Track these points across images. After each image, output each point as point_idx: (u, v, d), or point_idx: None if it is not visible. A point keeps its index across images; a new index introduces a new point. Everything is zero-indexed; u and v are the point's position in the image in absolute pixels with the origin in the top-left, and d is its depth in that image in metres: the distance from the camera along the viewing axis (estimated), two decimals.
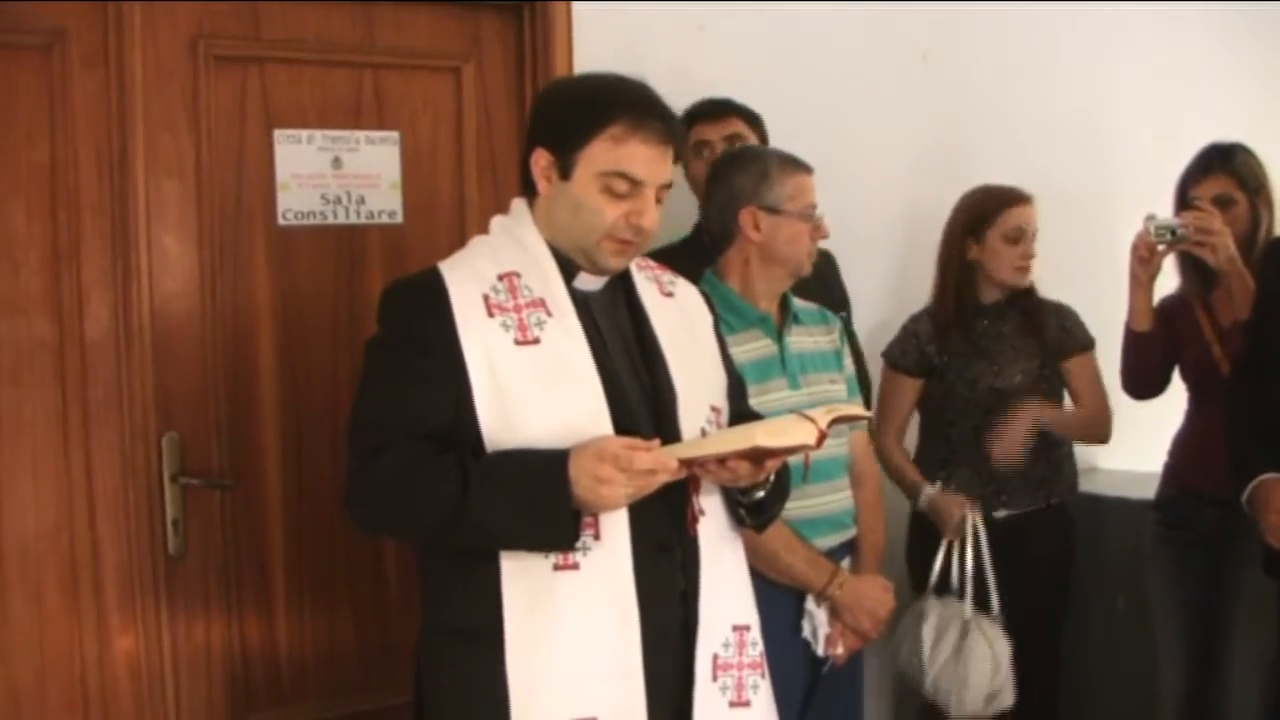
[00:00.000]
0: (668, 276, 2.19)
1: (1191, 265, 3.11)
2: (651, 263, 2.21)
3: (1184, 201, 3.10)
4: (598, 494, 1.83)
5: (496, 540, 1.90)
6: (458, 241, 2.12)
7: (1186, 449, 3.15)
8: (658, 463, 1.84)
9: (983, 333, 3.22)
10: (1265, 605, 2.78)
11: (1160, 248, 2.98)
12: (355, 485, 1.95)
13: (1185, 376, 3.16)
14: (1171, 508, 3.18)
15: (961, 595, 3.02)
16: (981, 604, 3.02)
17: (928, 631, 2.99)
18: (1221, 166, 3.07)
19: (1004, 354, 3.19)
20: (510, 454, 1.89)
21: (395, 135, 2.95)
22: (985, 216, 3.17)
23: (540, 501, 1.85)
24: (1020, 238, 3.15)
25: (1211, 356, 3.05)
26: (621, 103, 1.97)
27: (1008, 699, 2.99)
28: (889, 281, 3.60)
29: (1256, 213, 3.04)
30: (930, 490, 3.14)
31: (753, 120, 3.15)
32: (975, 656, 2.94)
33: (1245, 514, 2.68)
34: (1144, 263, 3.01)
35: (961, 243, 3.20)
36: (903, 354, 3.26)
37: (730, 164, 2.68)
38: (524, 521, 1.87)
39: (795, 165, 2.66)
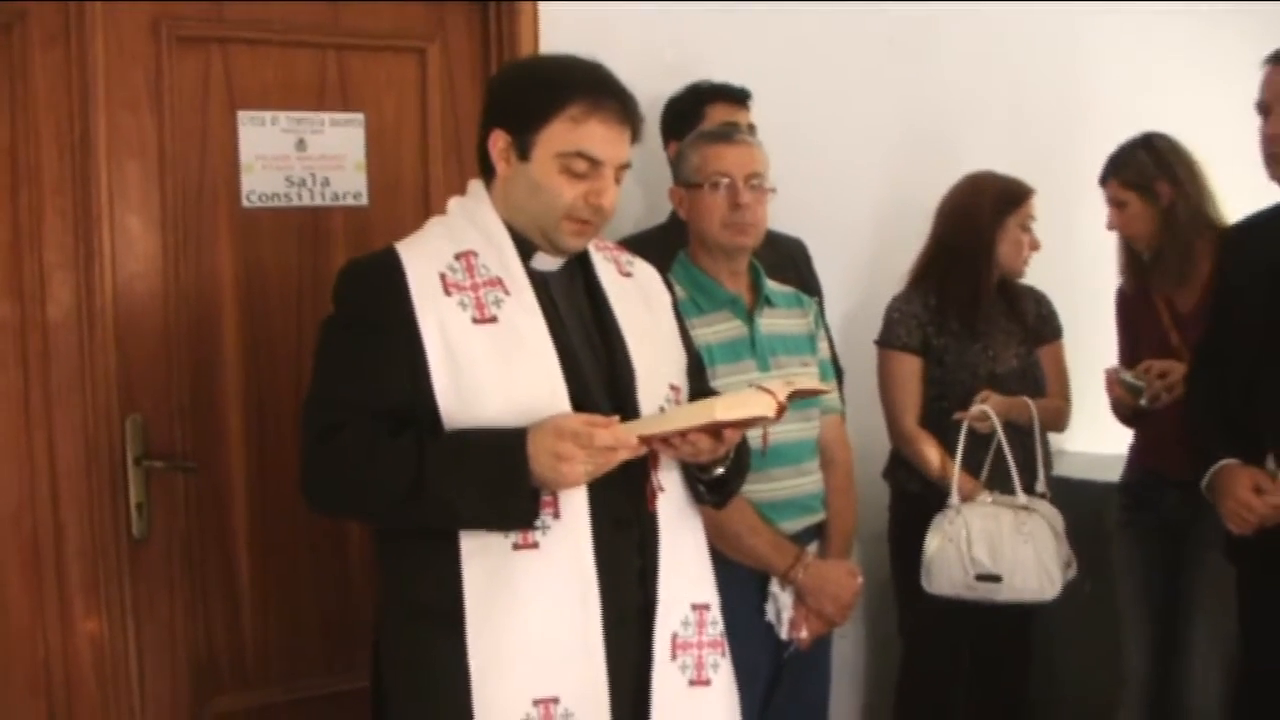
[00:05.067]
0: (625, 257, 2.19)
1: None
2: (610, 243, 2.21)
3: None
4: (557, 471, 1.83)
5: (455, 520, 1.90)
6: (422, 223, 2.11)
7: (1150, 432, 3.16)
8: (617, 439, 1.84)
9: (978, 317, 3.19)
10: (1227, 587, 2.80)
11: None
12: (311, 466, 1.94)
13: None
14: (1136, 490, 3.21)
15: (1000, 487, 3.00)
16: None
17: (981, 534, 2.92)
18: (1111, 173, 3.16)
19: (995, 338, 3.18)
20: (468, 432, 1.89)
21: (360, 117, 2.93)
22: (1013, 201, 3.14)
23: (499, 480, 1.85)
24: (1028, 228, 3.16)
25: (1169, 343, 3.07)
26: (579, 83, 1.97)
27: (1073, 563, 2.98)
28: (861, 268, 3.58)
29: (1154, 201, 3.07)
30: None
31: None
32: (1041, 531, 2.92)
33: (1206, 499, 2.70)
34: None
35: (991, 223, 3.14)
36: (907, 333, 3.16)
37: None
38: (483, 500, 1.86)
39: (710, 137, 2.65)
